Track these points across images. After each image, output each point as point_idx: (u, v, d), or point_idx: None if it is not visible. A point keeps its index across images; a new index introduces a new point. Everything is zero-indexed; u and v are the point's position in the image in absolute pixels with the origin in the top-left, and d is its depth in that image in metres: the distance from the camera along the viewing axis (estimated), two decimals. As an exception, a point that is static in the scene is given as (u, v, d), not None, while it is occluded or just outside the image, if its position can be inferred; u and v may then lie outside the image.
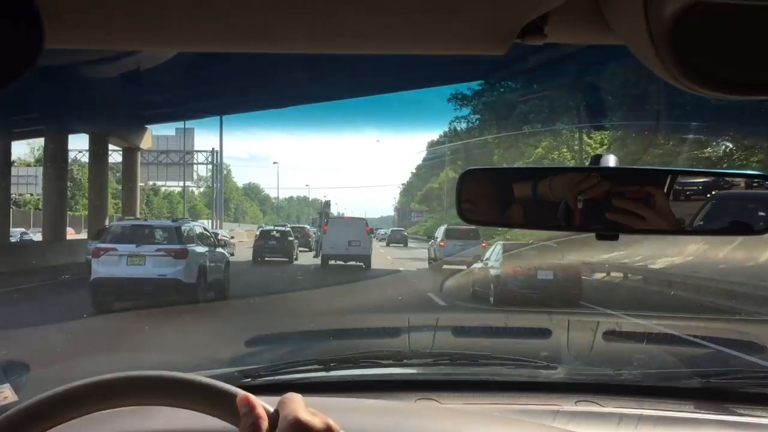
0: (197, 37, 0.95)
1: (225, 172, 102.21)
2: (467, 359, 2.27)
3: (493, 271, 13.73)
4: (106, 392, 0.85)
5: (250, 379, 1.94)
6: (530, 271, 13.22)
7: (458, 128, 54.66)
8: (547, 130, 33.21)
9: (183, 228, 13.04)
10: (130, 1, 0.82)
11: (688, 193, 1.04)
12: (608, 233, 1.04)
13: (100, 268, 12.10)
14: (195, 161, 53.87)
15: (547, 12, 0.84)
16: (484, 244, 21.81)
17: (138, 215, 31.20)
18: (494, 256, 14.59)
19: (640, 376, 2.24)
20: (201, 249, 13.22)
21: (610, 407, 1.80)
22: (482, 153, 44.41)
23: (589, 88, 27.52)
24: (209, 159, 53.56)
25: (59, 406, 0.83)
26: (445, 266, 21.12)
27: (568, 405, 1.81)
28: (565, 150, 31.91)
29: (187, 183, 59.08)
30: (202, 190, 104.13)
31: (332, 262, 23.85)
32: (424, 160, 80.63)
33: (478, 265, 15.13)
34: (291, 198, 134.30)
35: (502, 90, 37.11)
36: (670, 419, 1.72)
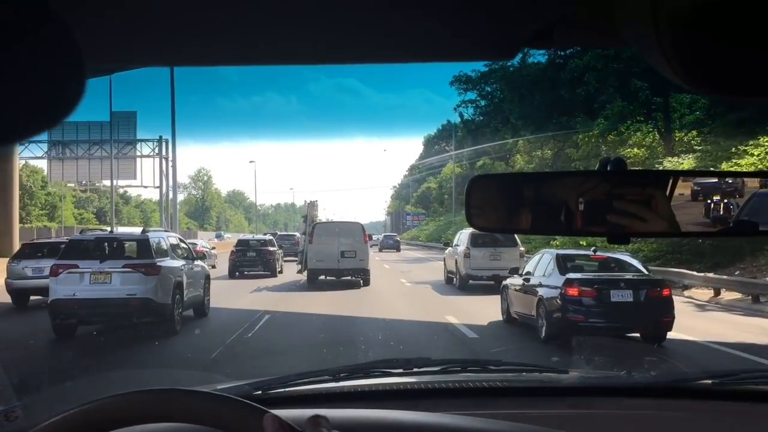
0: (213, 52, 0.98)
1: (206, 178, 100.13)
2: (478, 366, 2.28)
3: (542, 292, 10.11)
4: (129, 409, 0.83)
5: (260, 392, 1.88)
6: (598, 290, 9.51)
7: (464, 115, 51.35)
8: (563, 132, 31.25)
9: (154, 240, 11.45)
10: (149, 23, 0.87)
11: (703, 194, 1.04)
12: (625, 236, 1.04)
13: (60, 288, 10.56)
14: (139, 153, 43.09)
15: (555, 19, 0.87)
16: (522, 250, 17.76)
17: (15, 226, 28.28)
18: (541, 268, 10.69)
19: (652, 377, 2.28)
20: (176, 263, 11.74)
21: (623, 409, 1.83)
22: (495, 143, 41.79)
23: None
24: (157, 150, 42.76)
25: (91, 420, 0.82)
26: (471, 281, 17.63)
27: (581, 408, 1.84)
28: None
29: (129, 183, 48.33)
30: (180, 197, 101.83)
31: (322, 277, 19.20)
32: (420, 157, 77.42)
33: (515, 281, 11.50)
34: (278, 205, 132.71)
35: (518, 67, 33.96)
36: (683, 419, 1.74)
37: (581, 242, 15.20)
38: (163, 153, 42.65)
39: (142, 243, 11.27)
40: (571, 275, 9.82)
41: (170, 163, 41.83)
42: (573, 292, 9.48)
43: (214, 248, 32.60)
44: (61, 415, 0.81)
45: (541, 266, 10.79)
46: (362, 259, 19.08)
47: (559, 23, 0.86)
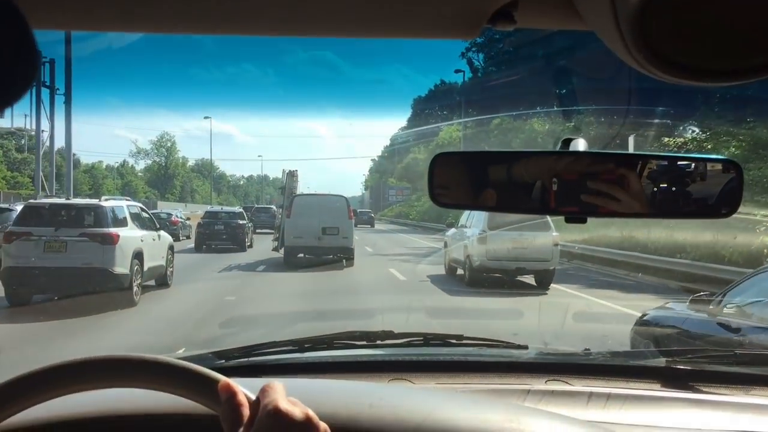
0: (179, 18, 0.96)
1: (169, 144, 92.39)
2: (440, 340, 2.28)
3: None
4: (87, 373, 0.86)
5: (224, 361, 1.93)
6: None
7: (474, 61, 45.61)
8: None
9: (111, 208, 11.17)
10: None
11: (656, 177, 1.08)
12: (580, 216, 1.07)
13: (13, 256, 10.31)
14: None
15: None
16: (556, 236, 13.45)
17: None
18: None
19: (608, 355, 2.33)
20: (136, 233, 11.50)
21: (579, 386, 1.85)
22: (495, 101, 36.53)
23: (559, 71, 25.86)
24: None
25: (39, 385, 0.85)
26: (486, 273, 13.48)
27: (539, 384, 1.85)
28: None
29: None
30: (143, 165, 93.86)
31: (300, 255, 17.44)
32: (408, 124, 68.18)
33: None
34: (251, 177, 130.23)
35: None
36: (637, 397, 1.76)
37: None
38: (48, 83, 27.05)
39: (99, 210, 10.99)
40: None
41: (60, 97, 27.18)
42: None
43: (188, 219, 32.17)
44: (15, 377, 0.83)
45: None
46: (346, 236, 17.29)
47: (521, 3, 0.86)
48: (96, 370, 0.86)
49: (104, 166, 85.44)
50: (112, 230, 10.63)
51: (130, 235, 11.12)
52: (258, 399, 0.78)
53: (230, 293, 12.15)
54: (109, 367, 0.86)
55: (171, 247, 13.30)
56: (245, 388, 0.81)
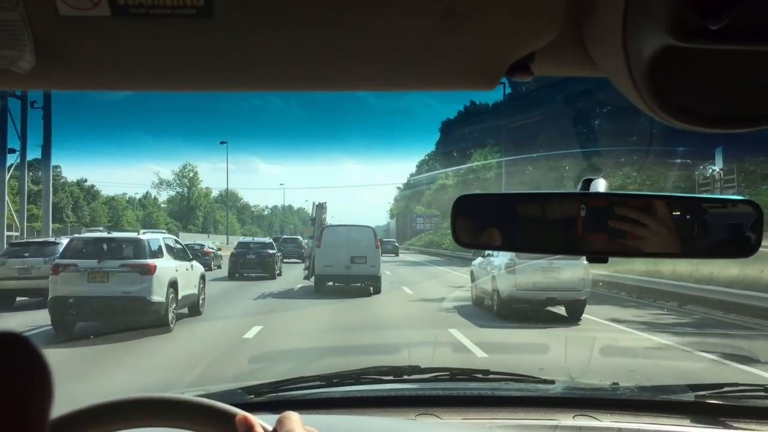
0: (192, 78, 0.98)
1: (191, 174, 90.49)
2: (466, 375, 2.29)
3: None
4: (109, 415, 0.87)
5: (253, 396, 1.97)
6: None
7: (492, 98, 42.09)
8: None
9: (149, 240, 12.03)
10: (130, 49, 0.87)
11: (677, 217, 1.09)
12: (603, 255, 1.08)
13: (59, 286, 11.14)
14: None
15: (534, 50, 0.87)
16: (586, 264, 12.94)
17: None
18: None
19: (636, 390, 2.28)
20: (171, 264, 12.28)
21: (607, 421, 1.84)
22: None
23: (578, 113, 25.57)
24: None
25: (77, 424, 0.86)
26: (515, 305, 13.13)
27: (567, 419, 1.84)
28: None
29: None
30: (165, 196, 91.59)
31: (330, 284, 18.34)
32: (435, 148, 64.74)
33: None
34: (275, 207, 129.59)
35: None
36: None
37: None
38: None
39: (138, 243, 11.84)
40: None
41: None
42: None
43: (219, 249, 33.22)
44: (55, 418, 0.84)
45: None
46: (373, 265, 18.12)
47: (538, 54, 0.87)
48: (118, 412, 0.87)
49: (127, 198, 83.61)
50: (150, 261, 11.43)
51: (165, 265, 11.91)
52: (275, 429, 0.81)
53: (259, 323, 12.47)
54: (130, 408, 0.87)
55: (203, 277, 14.04)
56: (266, 422, 0.83)
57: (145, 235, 12.34)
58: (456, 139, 57.18)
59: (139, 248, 11.70)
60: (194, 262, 13.85)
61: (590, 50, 0.84)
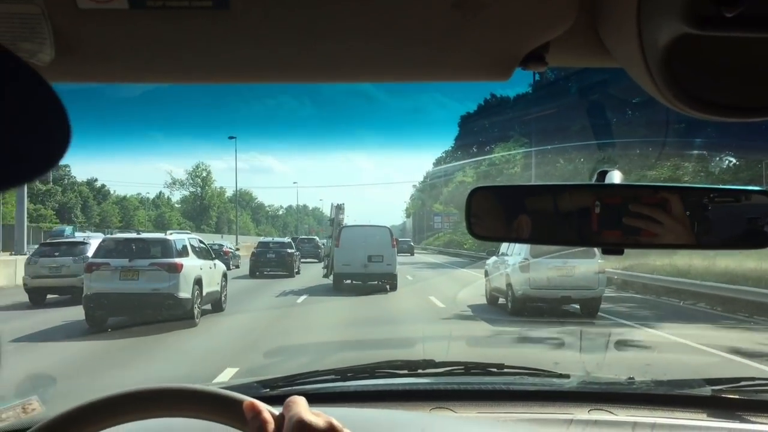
0: (209, 70, 0.97)
1: (204, 174, 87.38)
2: (481, 369, 2.28)
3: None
4: (119, 407, 0.88)
5: (268, 389, 1.98)
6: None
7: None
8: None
9: (176, 241, 12.86)
10: (141, 39, 0.86)
11: (693, 208, 1.08)
12: (619, 247, 1.07)
13: (93, 283, 11.96)
14: None
15: (549, 40, 0.86)
16: (602, 264, 13.20)
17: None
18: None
19: (652, 384, 2.26)
20: (196, 262, 13.06)
21: (623, 416, 1.82)
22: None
23: (593, 104, 25.06)
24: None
25: (96, 414, 0.88)
26: (530, 303, 13.25)
27: (582, 414, 1.83)
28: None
29: None
30: (178, 196, 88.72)
31: (348, 282, 19.12)
32: (455, 143, 60.99)
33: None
34: (290, 207, 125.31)
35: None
36: (682, 427, 1.73)
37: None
38: None
39: (166, 243, 12.68)
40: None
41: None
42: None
43: (238, 249, 34.12)
44: (69, 409, 0.87)
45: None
46: (389, 263, 18.88)
47: (552, 44, 0.87)
48: (127, 403, 0.89)
49: (140, 198, 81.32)
50: (177, 260, 12.23)
51: (191, 264, 12.69)
52: (282, 414, 0.82)
53: (279, 317, 13.27)
54: (140, 399, 0.89)
55: (224, 275, 14.81)
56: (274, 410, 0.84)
57: (172, 236, 13.20)
58: (476, 133, 55.02)
59: (166, 248, 12.52)
60: (217, 261, 14.61)
61: (605, 40, 0.84)
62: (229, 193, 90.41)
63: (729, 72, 0.75)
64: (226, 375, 7.59)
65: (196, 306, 12.34)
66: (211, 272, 13.63)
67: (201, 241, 14.80)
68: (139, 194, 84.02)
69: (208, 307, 13.67)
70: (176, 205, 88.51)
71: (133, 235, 14.39)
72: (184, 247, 13.02)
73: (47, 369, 8.26)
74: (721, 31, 0.65)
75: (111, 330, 11.64)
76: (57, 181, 64.22)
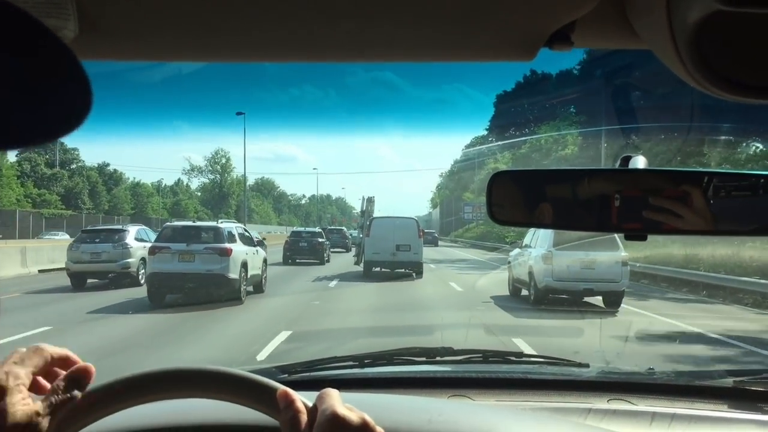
0: (222, 48, 0.97)
1: (224, 161, 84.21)
2: (500, 357, 2.28)
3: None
4: (156, 384, 0.88)
5: (287, 375, 2.00)
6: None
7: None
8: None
9: (227, 229, 14.76)
10: (158, 16, 0.86)
11: (718, 194, 1.06)
12: (643, 233, 1.08)
13: (155, 264, 13.84)
14: None
15: (574, 19, 0.85)
16: (625, 256, 13.08)
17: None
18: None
19: (672, 374, 2.26)
20: (242, 248, 14.85)
21: (642, 406, 1.81)
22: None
23: (618, 88, 25.03)
24: None
25: (111, 397, 0.86)
26: (552, 295, 13.24)
27: (601, 403, 1.82)
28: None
29: None
30: (197, 183, 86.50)
31: (377, 269, 20.54)
32: (490, 124, 56.52)
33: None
34: (312, 197, 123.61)
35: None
36: (703, 418, 1.72)
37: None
38: None
39: (217, 230, 14.59)
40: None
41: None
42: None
43: (264, 239, 35.86)
44: (106, 383, 0.86)
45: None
46: (416, 252, 20.30)
47: (578, 24, 0.85)
48: (164, 381, 0.89)
49: (157, 185, 78.97)
50: (227, 245, 14.04)
51: (238, 249, 14.49)
52: (315, 406, 0.81)
53: (314, 298, 14.73)
54: (176, 378, 0.89)
55: (265, 260, 16.58)
56: (305, 399, 0.83)
57: (223, 224, 15.05)
58: (513, 113, 50.09)
59: (218, 234, 14.37)
60: (258, 248, 16.35)
61: (632, 20, 0.82)
62: (251, 181, 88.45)
63: (761, 51, 0.72)
64: (282, 336, 9.22)
65: (243, 286, 14.10)
66: (254, 257, 15.41)
67: (245, 230, 16.63)
68: (159, 180, 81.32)
69: (251, 288, 15.42)
70: (196, 193, 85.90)
71: (189, 223, 16.29)
72: (232, 234, 14.84)
73: (120, 340, 9.56)
74: (754, 7, 0.62)
75: (169, 306, 13.20)
76: (64, 165, 60.78)
